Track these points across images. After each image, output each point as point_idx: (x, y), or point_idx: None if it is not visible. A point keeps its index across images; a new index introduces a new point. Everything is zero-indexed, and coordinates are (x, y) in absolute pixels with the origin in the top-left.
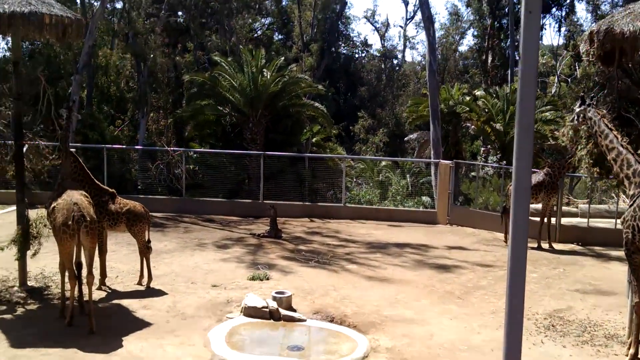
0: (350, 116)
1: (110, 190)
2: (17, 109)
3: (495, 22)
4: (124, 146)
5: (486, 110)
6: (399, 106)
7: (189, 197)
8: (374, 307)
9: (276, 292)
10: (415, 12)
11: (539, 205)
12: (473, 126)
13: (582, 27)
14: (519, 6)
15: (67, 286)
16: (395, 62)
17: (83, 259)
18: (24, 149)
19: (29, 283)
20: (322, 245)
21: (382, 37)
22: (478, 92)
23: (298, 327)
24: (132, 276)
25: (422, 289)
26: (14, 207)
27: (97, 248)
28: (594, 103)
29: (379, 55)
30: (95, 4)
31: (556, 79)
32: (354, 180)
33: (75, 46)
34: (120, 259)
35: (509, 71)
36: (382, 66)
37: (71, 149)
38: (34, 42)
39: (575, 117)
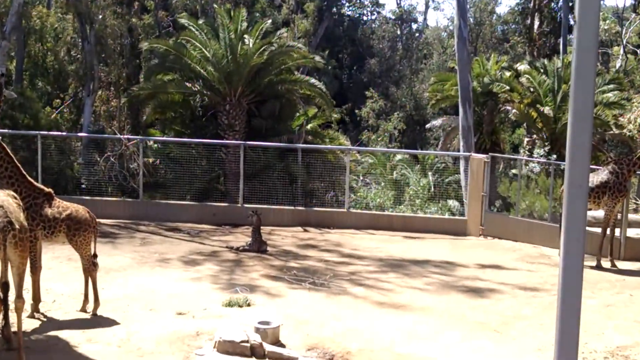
0: (357, 96)
1: (46, 189)
2: None
3: None
4: (64, 133)
5: (531, 89)
6: (419, 84)
7: (148, 199)
8: (386, 343)
9: (260, 322)
10: None
11: (601, 213)
12: (514, 110)
13: None
14: None
15: None
16: (414, 27)
17: (10, 278)
18: None
19: None
20: (319, 262)
21: None
22: (521, 66)
23: None
24: (74, 300)
25: (448, 319)
26: None
27: (28, 264)
28: None
29: (393, 18)
30: None
31: (622, 49)
32: (361, 178)
33: (2, 4)
34: (59, 278)
35: (561, 40)
36: (398, 32)
37: None
38: None
39: None
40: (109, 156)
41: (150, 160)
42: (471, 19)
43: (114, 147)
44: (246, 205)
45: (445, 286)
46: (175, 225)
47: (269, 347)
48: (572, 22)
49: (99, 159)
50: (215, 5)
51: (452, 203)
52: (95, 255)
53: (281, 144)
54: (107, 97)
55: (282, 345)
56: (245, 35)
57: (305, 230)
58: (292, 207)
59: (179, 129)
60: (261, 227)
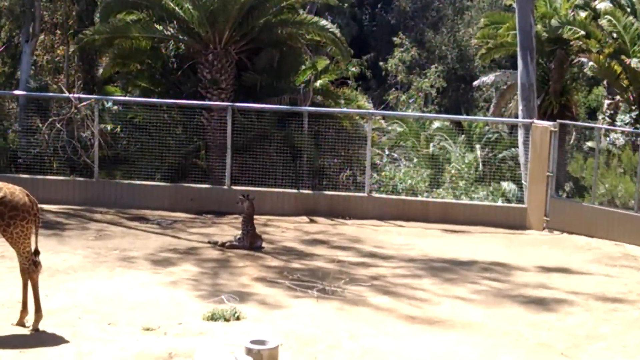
0: (381, 44)
1: None
2: None
3: None
4: None
5: (614, 35)
6: (464, 28)
7: (106, 178)
8: None
9: (252, 342)
10: None
11: None
12: (591, 63)
13: None
14: None
15: None
16: None
17: None
18: None
19: None
20: (331, 263)
21: None
22: (601, 5)
23: None
24: (8, 310)
25: (501, 339)
26: None
27: None
28: None
29: None
30: None
31: None
32: (387, 153)
33: None
34: None
35: None
36: None
37: None
38: None
39: None
40: (54, 121)
41: (109, 127)
42: None
43: (61, 110)
44: (235, 188)
45: (497, 296)
46: (141, 213)
47: None
48: None
49: (40, 125)
50: None
51: (507, 186)
52: (36, 252)
53: (281, 107)
54: (51, 43)
55: None
56: None
57: (313, 221)
58: (296, 191)
59: (147, 86)
60: (254, 217)
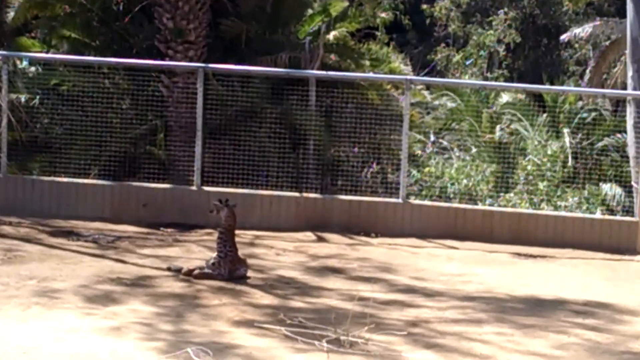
0: None
1: None
2: None
3: None
4: None
5: None
6: None
7: (18, 173)
8: None
9: None
10: None
11: None
12: None
13: None
14: None
15: None
16: None
17: None
18: None
19: None
20: (348, 302)
21: None
22: None
23: None
24: None
25: None
26: None
27: None
28: None
29: None
30: None
31: None
32: (432, 139)
33: None
34: None
35: None
36: None
37: None
38: None
39: None
40: None
41: (23, 97)
42: None
43: None
44: (207, 189)
45: (594, 352)
46: (69, 225)
47: None
48: None
49: None
50: None
51: (610, 190)
52: None
53: (277, 70)
54: None
55: None
56: None
57: (322, 239)
58: (297, 194)
59: (79, 39)
60: (235, 232)
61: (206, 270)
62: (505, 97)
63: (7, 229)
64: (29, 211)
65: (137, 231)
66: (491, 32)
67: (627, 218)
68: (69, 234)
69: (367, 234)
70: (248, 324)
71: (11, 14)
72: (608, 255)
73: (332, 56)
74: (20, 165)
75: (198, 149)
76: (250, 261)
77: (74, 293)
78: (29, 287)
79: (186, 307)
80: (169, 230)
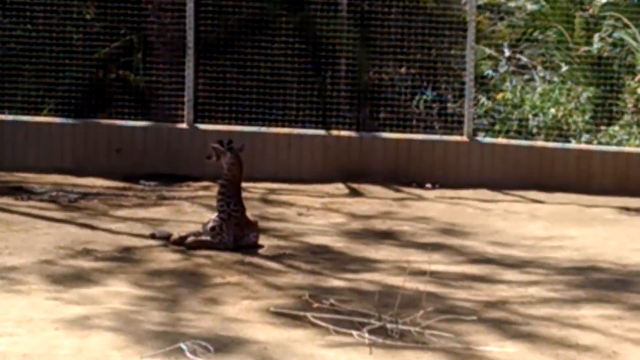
0: None
1: None
2: None
3: None
4: None
5: None
6: None
7: None
8: None
9: None
10: None
11: None
12: None
13: None
14: None
15: None
16: None
17: None
18: None
19: None
20: (397, 276)
21: None
22: None
23: None
24: None
25: None
26: None
27: None
28: None
29: None
30: None
31: None
32: (506, 54)
33: None
34: None
35: None
36: None
37: None
38: None
39: None
40: None
41: None
42: None
43: None
44: (202, 127)
45: None
46: (16, 178)
47: None
48: None
49: None
50: None
51: None
52: None
53: None
54: None
55: None
56: None
57: (358, 193)
58: (324, 132)
59: None
60: (242, 185)
61: (204, 237)
62: None
63: None
64: None
65: (108, 186)
66: None
67: None
68: (16, 190)
69: (421, 185)
70: (261, 309)
71: None
72: None
73: None
74: None
75: (189, 72)
76: (262, 224)
77: (27, 271)
78: None
79: (178, 287)
80: (152, 183)
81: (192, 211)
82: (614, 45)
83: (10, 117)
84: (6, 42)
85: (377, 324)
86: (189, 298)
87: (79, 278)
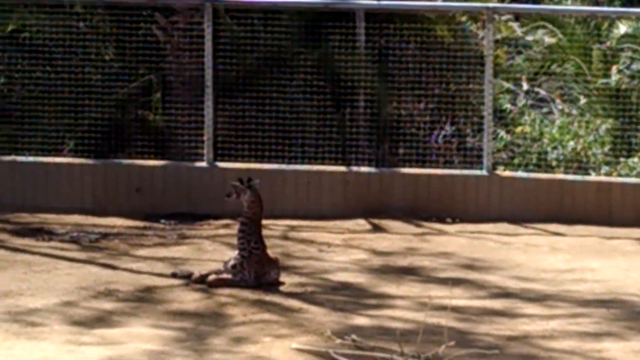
0: None
1: None
2: None
3: None
4: None
5: None
6: None
7: None
8: None
9: None
10: None
11: None
12: None
13: None
14: None
15: None
16: None
17: None
18: None
19: None
20: (417, 310)
21: None
22: None
23: None
24: None
25: None
26: None
27: None
28: None
29: None
30: None
31: None
32: (524, 88)
33: None
34: None
35: None
36: None
37: None
38: None
39: None
40: None
41: None
42: None
43: None
44: (222, 165)
45: None
46: (38, 219)
47: None
48: None
49: None
50: None
51: None
52: None
53: (312, 1)
54: None
55: None
56: None
57: (380, 229)
58: (345, 169)
59: None
60: (262, 222)
61: (225, 275)
62: (623, 28)
63: None
64: None
65: (129, 225)
66: None
67: None
68: (38, 232)
69: (441, 219)
70: (284, 347)
71: None
72: None
73: None
74: None
75: (208, 111)
76: (283, 261)
77: (48, 312)
78: None
79: (201, 326)
80: (173, 222)
81: (213, 249)
82: (632, 77)
83: (30, 158)
84: (26, 83)
85: (399, 359)
86: (212, 337)
87: (101, 319)
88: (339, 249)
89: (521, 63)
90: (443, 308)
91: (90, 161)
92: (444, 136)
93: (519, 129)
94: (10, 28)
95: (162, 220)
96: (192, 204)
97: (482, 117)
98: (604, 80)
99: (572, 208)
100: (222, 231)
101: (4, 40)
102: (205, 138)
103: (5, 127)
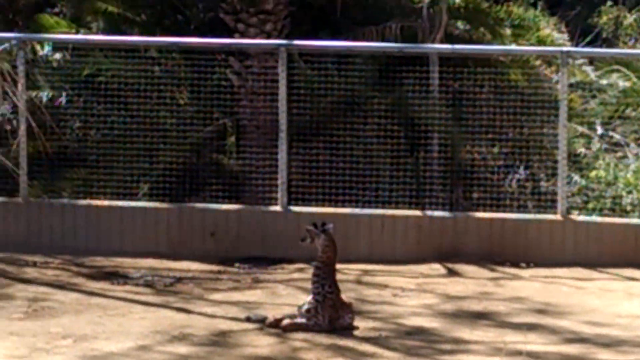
0: None
1: None
2: None
3: None
4: None
5: None
6: None
7: (42, 197)
8: None
9: None
10: None
11: None
12: None
13: None
14: None
15: None
16: None
17: None
18: None
19: None
20: (492, 355)
21: None
22: None
23: None
24: None
25: None
26: None
27: None
28: None
29: None
30: None
31: None
32: (599, 132)
33: None
34: None
35: None
36: None
37: None
38: None
39: None
40: None
41: (46, 95)
42: None
43: None
44: (296, 210)
45: None
46: (113, 263)
47: None
48: None
49: None
50: None
51: None
52: None
53: (386, 45)
54: None
55: None
56: None
57: (454, 273)
58: (419, 213)
59: (119, 13)
60: (336, 266)
61: (299, 320)
62: None
63: (31, 272)
64: (59, 247)
65: (203, 269)
66: None
67: None
68: (112, 275)
69: (515, 264)
70: None
71: None
72: None
73: (459, 24)
74: (46, 185)
75: (282, 155)
76: (357, 305)
77: (123, 356)
78: (62, 348)
79: None
80: (247, 266)
81: (287, 294)
82: None
83: (106, 203)
84: (102, 128)
85: None
86: None
87: None
88: (412, 293)
89: (595, 107)
90: (518, 353)
91: (164, 205)
92: (518, 180)
93: (593, 173)
94: (86, 72)
95: (237, 264)
96: (266, 248)
97: (556, 161)
98: None
99: None
100: (296, 275)
101: (79, 85)
102: (279, 182)
103: (81, 171)
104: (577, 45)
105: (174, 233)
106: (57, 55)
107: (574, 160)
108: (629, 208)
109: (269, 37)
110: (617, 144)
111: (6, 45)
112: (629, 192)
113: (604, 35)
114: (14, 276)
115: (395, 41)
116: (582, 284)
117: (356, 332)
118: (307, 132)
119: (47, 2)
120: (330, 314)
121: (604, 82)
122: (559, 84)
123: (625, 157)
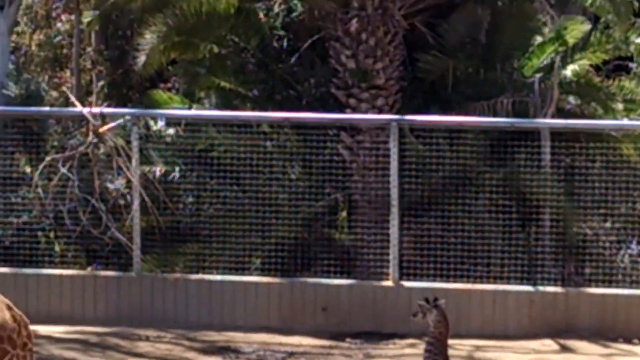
0: None
1: None
2: None
3: None
4: None
5: None
6: None
7: (155, 271)
8: None
9: None
10: None
11: None
12: None
13: None
14: None
15: None
16: None
17: None
18: None
19: None
20: None
21: None
22: None
23: None
24: None
25: None
26: None
27: None
28: None
29: None
30: None
31: None
32: None
33: None
34: None
35: None
36: None
37: None
38: None
39: None
40: (54, 162)
41: (159, 170)
42: None
43: (67, 139)
44: (407, 285)
45: None
46: (225, 338)
47: None
48: None
49: (29, 170)
50: None
51: None
52: None
53: (497, 120)
54: (47, 11)
55: None
56: None
57: (566, 349)
58: (530, 288)
59: (231, 88)
60: (448, 342)
61: None
62: None
63: (144, 346)
64: (172, 321)
65: (315, 344)
66: None
67: None
68: (224, 350)
69: (628, 340)
70: None
71: (142, 59)
72: None
73: (571, 99)
74: (159, 259)
75: (394, 230)
76: None
77: None
78: None
79: None
80: (358, 342)
81: None
82: None
83: (218, 277)
84: (214, 203)
85: None
86: None
87: None
88: None
89: None
90: None
91: (276, 279)
92: (630, 255)
93: None
94: (199, 147)
95: (348, 339)
96: (377, 323)
97: None
98: None
99: None
100: (407, 350)
101: (192, 160)
102: (390, 257)
103: (194, 246)
104: None
105: (286, 307)
106: (171, 131)
107: None
108: None
109: (380, 112)
110: None
111: (120, 120)
112: None
113: None
114: (127, 350)
115: (507, 116)
116: None
117: None
118: (419, 207)
119: (160, 78)
120: None
121: None
122: None
123: None
